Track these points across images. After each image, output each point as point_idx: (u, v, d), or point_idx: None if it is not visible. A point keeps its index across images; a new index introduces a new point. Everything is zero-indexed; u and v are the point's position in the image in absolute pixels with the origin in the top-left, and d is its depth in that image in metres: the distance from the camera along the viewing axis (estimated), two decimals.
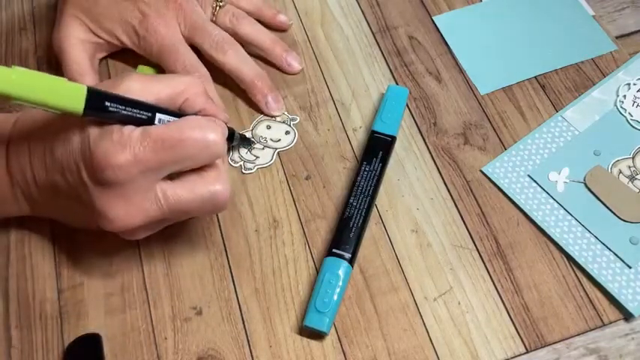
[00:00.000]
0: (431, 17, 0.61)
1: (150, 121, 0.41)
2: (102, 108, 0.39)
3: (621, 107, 0.55)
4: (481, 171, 0.53)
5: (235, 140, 0.51)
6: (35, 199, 0.46)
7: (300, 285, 0.48)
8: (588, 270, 0.48)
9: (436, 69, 0.58)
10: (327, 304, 0.45)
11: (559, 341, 0.46)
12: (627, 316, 0.46)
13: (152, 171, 0.40)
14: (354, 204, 0.49)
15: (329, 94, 0.57)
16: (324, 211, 0.51)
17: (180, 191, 0.42)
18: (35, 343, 0.47)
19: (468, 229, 0.50)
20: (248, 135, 0.55)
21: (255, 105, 0.56)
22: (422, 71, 0.58)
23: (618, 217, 0.49)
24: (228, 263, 0.49)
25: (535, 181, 0.52)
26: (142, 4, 0.55)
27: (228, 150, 0.53)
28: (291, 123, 0.56)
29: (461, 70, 0.58)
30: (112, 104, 0.39)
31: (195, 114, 0.43)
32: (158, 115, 0.41)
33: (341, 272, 0.47)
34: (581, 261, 0.48)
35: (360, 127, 0.56)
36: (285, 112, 0.56)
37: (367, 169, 0.51)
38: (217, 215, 0.51)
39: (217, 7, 0.57)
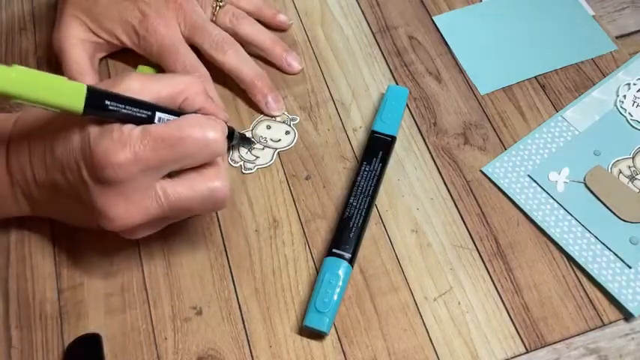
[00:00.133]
0: (431, 17, 0.61)
1: (150, 120, 0.41)
2: (102, 107, 0.39)
3: (621, 107, 0.55)
4: (481, 171, 0.53)
5: (235, 139, 0.51)
6: (35, 199, 0.46)
7: (300, 285, 0.48)
8: (588, 270, 0.48)
9: (436, 69, 0.58)
10: (327, 304, 0.45)
11: (559, 341, 0.46)
12: (627, 316, 0.46)
13: (152, 169, 0.40)
14: (354, 204, 0.49)
15: (329, 94, 0.57)
16: (324, 211, 0.51)
17: (180, 189, 0.42)
18: (35, 343, 0.47)
19: (468, 229, 0.50)
20: (248, 135, 0.55)
21: (255, 105, 0.56)
22: (422, 71, 0.58)
23: (618, 217, 0.49)
24: (228, 263, 0.49)
25: (535, 181, 0.52)
26: (142, 3, 0.55)
27: (228, 149, 0.53)
28: (291, 123, 0.56)
29: (461, 70, 0.58)
30: (112, 103, 0.39)
31: (195, 113, 0.43)
32: (158, 114, 0.41)
33: (341, 272, 0.47)
34: (581, 261, 0.48)
35: (360, 127, 0.56)
36: (285, 112, 0.56)
37: (367, 169, 0.51)
38: (217, 215, 0.51)
39: (217, 7, 0.57)
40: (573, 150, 0.53)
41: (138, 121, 0.40)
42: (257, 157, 0.54)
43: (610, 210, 0.50)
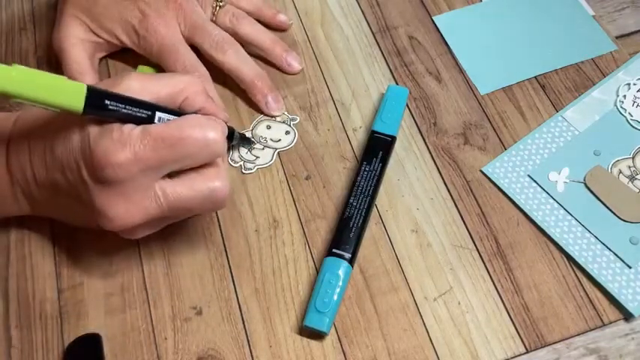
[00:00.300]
0: (431, 17, 0.61)
1: (150, 120, 0.41)
2: (102, 106, 0.39)
3: (621, 107, 0.55)
4: (481, 171, 0.53)
5: (235, 139, 0.51)
6: (35, 198, 0.46)
7: (300, 285, 0.48)
8: (588, 270, 0.48)
9: (436, 69, 0.58)
10: (327, 304, 0.45)
11: (559, 341, 0.46)
12: (627, 316, 0.46)
13: (152, 169, 0.40)
14: (354, 204, 0.49)
15: (329, 94, 0.57)
16: (324, 211, 0.51)
17: (179, 189, 0.42)
18: (35, 343, 0.47)
19: (468, 229, 0.50)
20: (248, 135, 0.55)
21: (255, 105, 0.56)
22: (422, 71, 0.58)
23: (618, 217, 0.49)
24: (228, 263, 0.49)
25: (535, 181, 0.52)
26: (142, 3, 0.55)
27: (228, 149, 0.53)
28: (291, 123, 0.56)
29: (461, 70, 0.58)
30: (112, 103, 0.39)
31: (195, 113, 0.43)
32: (158, 114, 0.41)
33: (341, 272, 0.47)
34: (581, 261, 0.48)
35: (360, 127, 0.55)
36: (285, 112, 0.56)
37: (367, 169, 0.51)
38: (217, 215, 0.51)
39: (217, 7, 0.57)
40: (573, 150, 0.53)
41: (138, 121, 0.40)
42: (257, 157, 0.54)
43: (610, 210, 0.50)
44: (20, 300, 0.48)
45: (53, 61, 0.58)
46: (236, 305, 0.48)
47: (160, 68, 0.56)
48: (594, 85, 0.56)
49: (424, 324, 0.46)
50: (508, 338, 0.46)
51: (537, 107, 0.56)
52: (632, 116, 0.54)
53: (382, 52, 0.60)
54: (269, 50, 0.58)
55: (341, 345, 0.46)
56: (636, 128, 0.54)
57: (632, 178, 0.51)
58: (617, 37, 0.60)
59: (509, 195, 0.51)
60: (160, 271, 0.49)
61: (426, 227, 0.50)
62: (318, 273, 0.48)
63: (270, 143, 0.55)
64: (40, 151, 0.43)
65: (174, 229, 0.49)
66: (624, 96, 0.55)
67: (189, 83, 0.43)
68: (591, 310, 0.47)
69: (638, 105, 0.54)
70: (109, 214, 0.41)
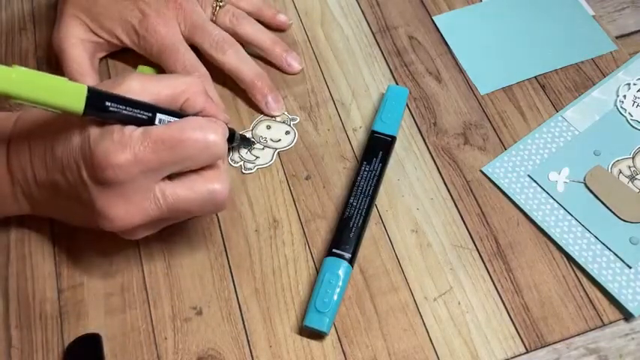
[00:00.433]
0: (431, 17, 0.61)
1: (150, 122, 0.41)
2: (102, 108, 0.39)
3: (621, 107, 0.55)
4: (481, 171, 0.53)
5: (236, 141, 0.51)
6: (35, 198, 0.46)
7: (300, 285, 0.48)
8: (588, 270, 0.48)
9: (436, 69, 0.58)
10: (327, 304, 0.45)
11: (559, 341, 0.46)
12: (627, 316, 0.46)
13: (152, 171, 0.40)
14: (354, 204, 0.49)
15: (329, 94, 0.57)
16: (324, 211, 0.51)
17: (179, 190, 0.42)
18: (35, 343, 0.47)
19: (468, 229, 0.50)
20: (248, 135, 0.55)
21: (255, 105, 0.56)
22: (422, 71, 0.58)
23: (618, 217, 0.49)
24: (228, 263, 0.49)
25: (535, 181, 0.52)
26: (142, 3, 0.55)
27: (229, 150, 0.53)
28: (291, 123, 0.56)
29: (461, 70, 0.58)
30: (113, 104, 0.39)
31: (196, 114, 0.43)
32: (159, 116, 0.41)
33: (341, 272, 0.47)
34: (581, 261, 0.48)
35: (360, 127, 0.56)
36: (285, 112, 0.56)
37: (367, 169, 0.51)
38: (217, 215, 0.51)
39: (217, 7, 0.57)
40: (573, 150, 0.53)
41: (138, 123, 0.40)
42: (257, 157, 0.54)
43: (610, 210, 0.50)
44: (20, 300, 0.48)
45: (53, 62, 0.58)
46: (236, 305, 0.48)
47: (160, 68, 0.56)
48: (594, 85, 0.56)
49: (424, 324, 0.46)
50: (508, 338, 0.46)
51: (537, 107, 0.56)
52: (632, 116, 0.54)
53: (382, 52, 0.60)
54: (269, 50, 0.58)
55: (341, 345, 0.46)
56: (636, 128, 0.54)
57: (632, 178, 0.51)
58: (617, 37, 0.60)
59: (509, 195, 0.51)
60: (160, 271, 0.49)
61: (426, 227, 0.50)
62: (318, 273, 0.48)
63: (270, 143, 0.55)
64: (40, 152, 0.43)
65: (174, 230, 0.49)
66: (624, 96, 0.55)
67: (190, 84, 0.43)
68: (591, 310, 0.47)
69: (638, 105, 0.54)
70: (109, 215, 0.41)
